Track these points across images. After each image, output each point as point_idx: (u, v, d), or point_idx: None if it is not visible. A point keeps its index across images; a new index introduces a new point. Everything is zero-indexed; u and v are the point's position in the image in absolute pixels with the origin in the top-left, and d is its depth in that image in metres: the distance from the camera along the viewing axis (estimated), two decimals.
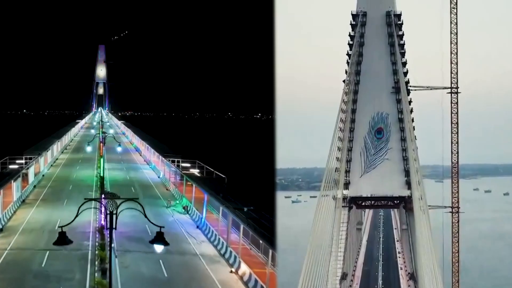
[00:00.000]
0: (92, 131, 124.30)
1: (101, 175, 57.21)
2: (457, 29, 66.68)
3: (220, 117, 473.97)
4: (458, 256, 69.68)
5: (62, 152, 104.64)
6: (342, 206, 48.68)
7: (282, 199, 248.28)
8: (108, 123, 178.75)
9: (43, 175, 73.37)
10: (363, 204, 53.25)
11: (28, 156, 72.66)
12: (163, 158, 73.65)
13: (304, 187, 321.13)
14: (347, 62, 50.06)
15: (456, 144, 68.92)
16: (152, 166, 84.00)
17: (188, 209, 51.86)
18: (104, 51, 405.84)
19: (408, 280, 55.39)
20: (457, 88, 66.80)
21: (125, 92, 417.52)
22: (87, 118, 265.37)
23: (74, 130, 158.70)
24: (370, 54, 49.52)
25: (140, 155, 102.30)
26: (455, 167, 70.09)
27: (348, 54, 50.01)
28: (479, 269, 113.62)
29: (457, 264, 68.94)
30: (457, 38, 66.55)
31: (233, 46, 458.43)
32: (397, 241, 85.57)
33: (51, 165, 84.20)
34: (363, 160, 49.97)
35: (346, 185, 49.49)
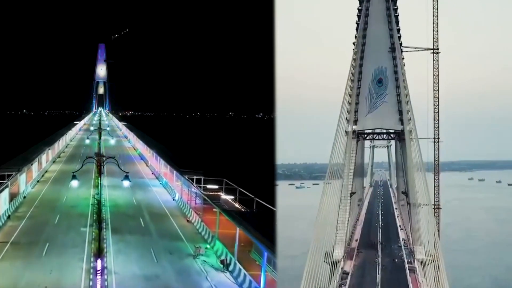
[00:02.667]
0: (87, 141, 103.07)
1: (99, 205, 38.68)
2: (438, 4, 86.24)
3: (222, 117, 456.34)
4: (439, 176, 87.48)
5: (54, 161, 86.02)
6: (352, 138, 59.78)
7: (286, 186, 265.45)
8: (108, 128, 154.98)
9: (24, 197, 54.73)
10: (367, 137, 67.52)
11: (5, 174, 54.30)
12: (181, 176, 54.94)
13: (307, 177, 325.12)
14: (356, 29, 61.58)
15: (437, 83, 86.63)
16: (163, 182, 65.46)
17: (228, 262, 33.32)
18: (104, 50, 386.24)
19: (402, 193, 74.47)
20: (438, 49, 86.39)
21: (126, 91, 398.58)
22: (86, 119, 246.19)
23: (71, 133, 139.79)
24: (373, 22, 60.79)
25: (147, 165, 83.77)
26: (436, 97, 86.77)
27: (357, 23, 61.51)
28: (460, 228, 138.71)
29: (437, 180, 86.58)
30: (438, 12, 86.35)
31: (234, 46, 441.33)
32: (394, 203, 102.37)
33: (38, 181, 65.65)
34: (367, 103, 60.52)
35: (355, 122, 60.31)
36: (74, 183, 29.96)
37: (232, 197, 47.72)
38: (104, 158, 30.77)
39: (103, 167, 29.66)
